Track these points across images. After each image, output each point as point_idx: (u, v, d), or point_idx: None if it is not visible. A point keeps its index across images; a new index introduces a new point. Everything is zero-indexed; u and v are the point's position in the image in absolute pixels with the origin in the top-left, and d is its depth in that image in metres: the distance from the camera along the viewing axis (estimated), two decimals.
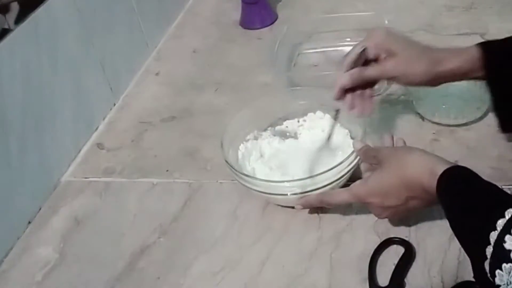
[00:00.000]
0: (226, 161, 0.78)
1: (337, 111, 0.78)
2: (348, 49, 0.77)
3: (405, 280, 0.66)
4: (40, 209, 0.87)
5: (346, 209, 0.76)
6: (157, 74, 1.17)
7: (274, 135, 0.86)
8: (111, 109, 1.07)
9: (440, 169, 0.59)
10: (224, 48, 1.20)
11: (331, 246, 0.73)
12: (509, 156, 0.80)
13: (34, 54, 0.87)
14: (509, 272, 0.46)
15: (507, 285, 0.47)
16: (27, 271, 0.78)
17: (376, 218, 0.72)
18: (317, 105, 0.87)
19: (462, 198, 0.56)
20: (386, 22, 0.99)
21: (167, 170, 0.91)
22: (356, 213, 0.75)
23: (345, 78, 0.74)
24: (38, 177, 0.88)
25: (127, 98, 1.10)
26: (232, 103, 1.02)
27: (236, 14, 1.27)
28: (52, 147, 0.91)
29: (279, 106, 0.89)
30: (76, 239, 0.82)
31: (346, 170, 0.74)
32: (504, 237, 0.48)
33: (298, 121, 0.88)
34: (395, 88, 0.96)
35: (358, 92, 0.77)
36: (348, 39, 1.06)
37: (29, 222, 0.85)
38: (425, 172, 0.60)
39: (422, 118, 0.90)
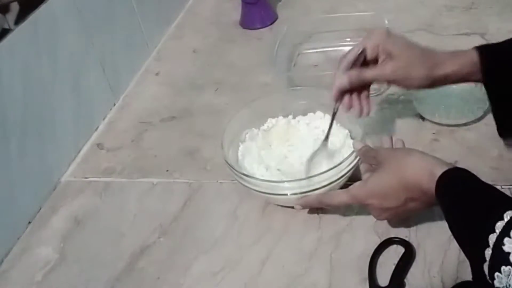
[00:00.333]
0: (226, 161, 0.78)
1: (335, 111, 0.78)
2: (348, 49, 0.77)
3: (405, 280, 0.66)
4: (40, 209, 0.87)
5: (346, 209, 0.76)
6: (157, 74, 1.17)
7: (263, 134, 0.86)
8: (111, 109, 1.07)
9: (439, 171, 0.59)
10: (224, 48, 1.20)
11: (331, 246, 0.73)
12: (509, 156, 0.80)
13: (34, 54, 0.87)
14: (508, 275, 0.46)
15: (506, 287, 0.47)
16: (27, 271, 0.78)
17: None
18: (317, 105, 0.87)
19: (461, 200, 0.56)
20: (386, 22, 0.99)
21: (167, 170, 0.91)
22: (356, 213, 0.75)
23: (343, 80, 0.74)
24: (38, 177, 0.88)
25: (127, 98, 1.10)
26: (232, 103, 1.02)
27: (236, 14, 1.27)
28: (52, 147, 0.91)
29: (279, 106, 0.89)
30: (76, 239, 0.82)
31: (346, 170, 0.74)
32: (503, 239, 0.48)
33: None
34: (395, 88, 0.96)
35: (355, 92, 0.77)
36: (348, 39, 1.06)
37: (29, 222, 0.85)
38: (424, 174, 0.61)
39: (422, 118, 0.90)
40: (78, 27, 0.97)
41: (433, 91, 0.83)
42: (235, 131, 0.84)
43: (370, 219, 0.72)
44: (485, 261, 0.49)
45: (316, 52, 1.10)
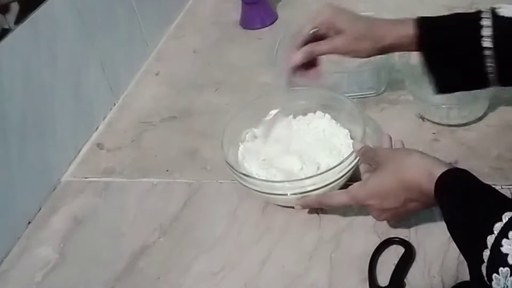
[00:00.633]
0: (226, 161, 0.78)
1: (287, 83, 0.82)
2: None
3: (405, 280, 0.66)
4: (40, 209, 0.87)
5: (346, 209, 0.76)
6: (157, 74, 1.17)
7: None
8: (111, 109, 1.07)
9: (438, 171, 0.59)
10: (224, 48, 1.20)
11: (331, 246, 0.73)
12: (509, 156, 0.80)
13: (34, 54, 0.87)
14: (506, 276, 0.46)
15: None
16: (27, 271, 0.78)
17: None
18: (317, 105, 0.87)
19: (459, 201, 0.56)
20: None
21: (167, 170, 0.91)
22: (356, 213, 0.75)
23: (298, 57, 0.78)
24: (38, 177, 0.88)
25: (127, 98, 1.10)
26: (232, 103, 1.02)
27: (236, 14, 1.27)
28: (52, 147, 0.91)
29: (279, 106, 0.89)
30: (76, 239, 0.82)
31: (345, 171, 0.74)
32: (501, 241, 0.48)
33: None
34: (395, 88, 0.96)
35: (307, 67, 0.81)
36: None
37: (29, 222, 0.85)
38: (423, 174, 0.61)
39: (422, 118, 0.90)
40: (78, 27, 0.97)
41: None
42: (235, 131, 0.84)
43: (370, 219, 0.72)
44: (483, 262, 0.49)
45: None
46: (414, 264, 0.68)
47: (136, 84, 1.14)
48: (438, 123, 0.88)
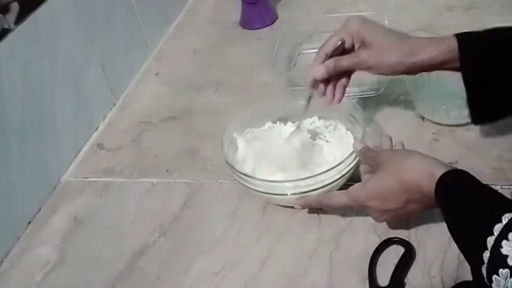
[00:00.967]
0: (226, 161, 0.78)
1: (310, 97, 0.79)
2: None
3: (405, 280, 0.66)
4: (40, 209, 0.87)
5: (346, 209, 0.76)
6: (157, 74, 1.17)
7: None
8: (111, 109, 1.07)
9: (439, 172, 0.59)
10: (224, 48, 1.20)
11: (331, 246, 0.73)
12: (509, 156, 0.80)
13: (34, 54, 0.87)
14: (506, 278, 0.46)
15: None
16: (27, 271, 0.78)
17: None
18: (317, 105, 0.87)
19: (460, 202, 0.56)
20: (386, 22, 0.99)
21: (167, 170, 0.91)
22: (356, 214, 0.75)
23: (319, 71, 0.75)
24: (38, 177, 0.88)
25: (127, 98, 1.10)
26: (232, 103, 1.02)
27: (236, 14, 1.27)
28: (52, 147, 0.91)
29: (279, 106, 0.89)
30: (76, 239, 0.82)
31: (345, 171, 0.74)
32: (501, 242, 0.48)
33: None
34: (395, 88, 0.96)
35: (334, 80, 0.77)
36: None
37: (29, 222, 0.85)
38: (423, 175, 0.60)
39: (422, 118, 0.90)
40: (78, 27, 0.97)
41: (433, 91, 0.83)
42: (235, 131, 0.84)
43: (370, 219, 0.72)
44: (483, 263, 0.49)
45: (316, 52, 1.10)
46: (414, 264, 0.68)
47: (136, 84, 1.14)
48: (438, 123, 0.88)
